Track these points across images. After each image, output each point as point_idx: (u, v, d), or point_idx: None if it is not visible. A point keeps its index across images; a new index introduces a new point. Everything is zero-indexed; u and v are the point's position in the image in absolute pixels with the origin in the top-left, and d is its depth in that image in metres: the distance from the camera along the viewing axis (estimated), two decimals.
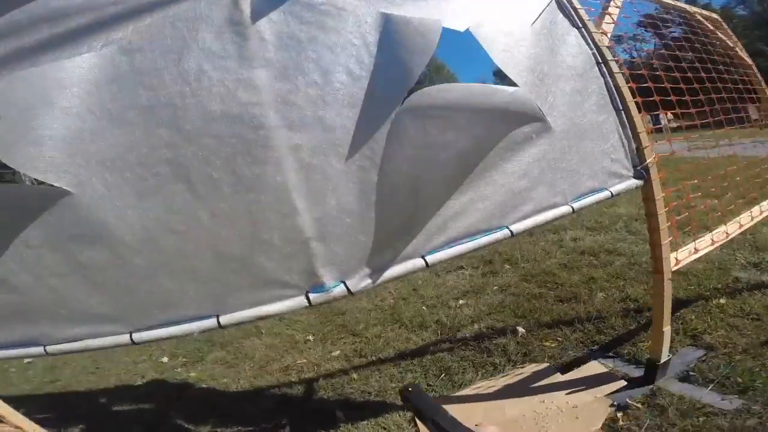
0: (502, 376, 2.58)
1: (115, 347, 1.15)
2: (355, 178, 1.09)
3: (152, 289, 1.06)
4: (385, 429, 2.35)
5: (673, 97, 2.29)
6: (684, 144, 3.04)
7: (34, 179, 1.02)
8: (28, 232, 1.05)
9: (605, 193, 1.53)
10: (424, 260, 1.18)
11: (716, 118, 2.70)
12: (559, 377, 2.44)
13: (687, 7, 2.62)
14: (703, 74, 2.52)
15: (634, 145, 1.63)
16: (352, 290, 1.12)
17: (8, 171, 1.12)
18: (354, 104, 1.09)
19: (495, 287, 3.74)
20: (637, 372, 2.26)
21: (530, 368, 2.60)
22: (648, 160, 1.65)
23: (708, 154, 2.79)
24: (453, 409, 2.75)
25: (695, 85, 2.46)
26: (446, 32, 1.22)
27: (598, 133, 1.52)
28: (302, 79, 1.06)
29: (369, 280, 1.14)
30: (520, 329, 2.98)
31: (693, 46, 2.66)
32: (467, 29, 1.25)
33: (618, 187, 1.56)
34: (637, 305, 2.93)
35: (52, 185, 0.99)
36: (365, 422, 2.42)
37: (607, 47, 1.66)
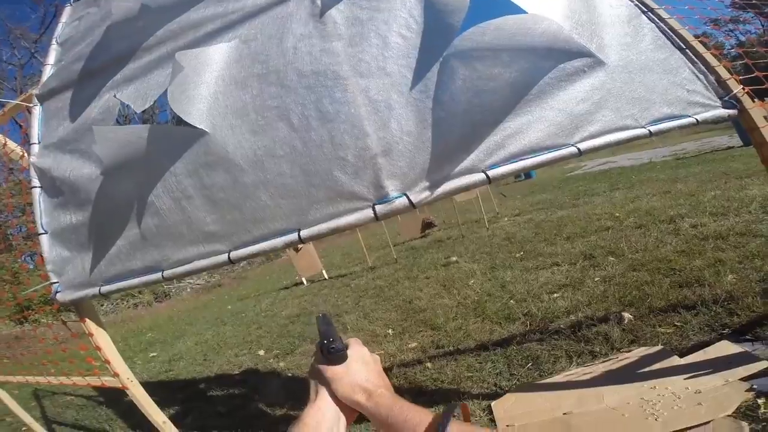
0: (602, 362, 2.25)
1: (215, 267, 1.44)
2: (412, 106, 1.29)
3: (254, 204, 1.34)
4: (454, 416, 2.18)
5: None
6: None
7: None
8: (175, 162, 1.42)
9: (689, 120, 1.48)
10: (485, 174, 1.25)
11: None
12: (676, 360, 2.04)
13: None
14: None
15: (712, 78, 1.58)
16: (413, 201, 1.24)
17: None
18: (408, 56, 1.33)
19: (597, 279, 3.33)
20: None
21: (638, 352, 2.21)
22: (735, 90, 1.55)
23: None
24: (539, 398, 2.44)
25: None
26: None
27: (663, 68, 1.53)
28: (366, 44, 1.36)
29: (428, 192, 1.26)
30: (627, 315, 2.59)
31: None
32: None
33: (704, 115, 1.51)
34: None
35: (196, 127, 1.36)
36: (433, 409, 2.29)
37: None
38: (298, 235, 1.28)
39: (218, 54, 1.44)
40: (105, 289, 1.66)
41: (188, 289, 14.21)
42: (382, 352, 3.28)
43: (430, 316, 3.75)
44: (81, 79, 1.74)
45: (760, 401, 1.64)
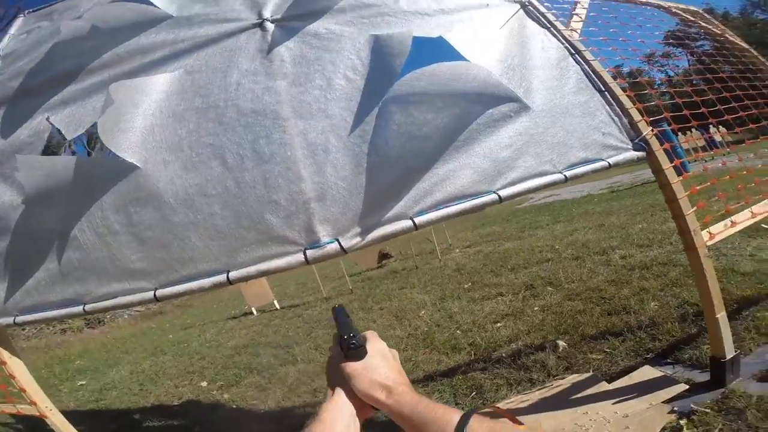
0: (538, 389, 2.33)
1: (141, 303, 1.39)
2: (349, 151, 1.31)
3: (182, 244, 1.31)
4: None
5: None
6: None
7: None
8: (102, 197, 1.37)
9: (602, 164, 1.56)
10: (413, 221, 1.29)
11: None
12: (605, 386, 2.16)
13: (662, 2, 2.56)
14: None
15: (626, 120, 1.66)
16: (344, 247, 1.25)
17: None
18: (350, 98, 1.37)
19: (536, 308, 3.50)
20: (702, 377, 2.00)
21: (571, 379, 2.32)
22: (644, 133, 1.65)
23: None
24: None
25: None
26: (426, 39, 1.54)
27: (582, 111, 1.60)
28: (310, 85, 1.38)
29: (359, 239, 1.27)
30: (561, 343, 2.72)
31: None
32: (440, 36, 1.55)
33: (616, 159, 1.59)
34: (697, 309, 2.58)
35: (127, 160, 1.32)
36: None
37: (579, 40, 1.83)
38: (227, 276, 1.25)
39: (160, 84, 1.42)
40: (20, 319, 1.56)
41: (125, 315, 13.16)
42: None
43: None
44: (16, 97, 1.65)
45: (683, 422, 1.75)
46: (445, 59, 1.44)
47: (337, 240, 1.24)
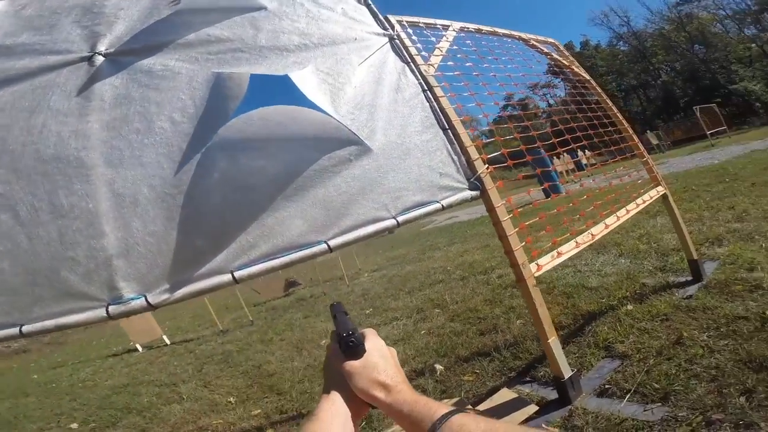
0: None
1: None
2: (162, 203, 1.22)
3: None
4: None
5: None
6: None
7: None
8: None
9: (435, 206, 1.60)
10: (233, 275, 1.24)
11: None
12: (470, 410, 2.29)
13: (523, 35, 2.96)
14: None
15: (464, 159, 1.71)
16: (152, 303, 1.18)
17: None
18: (170, 145, 1.27)
19: (423, 332, 3.66)
20: (554, 394, 2.15)
21: None
22: (479, 172, 1.72)
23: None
24: None
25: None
26: (270, 78, 1.47)
27: (423, 151, 1.63)
28: (126, 128, 1.27)
29: (168, 294, 1.20)
30: (438, 367, 2.86)
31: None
32: (286, 74, 1.49)
33: (450, 200, 1.63)
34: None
35: None
36: None
37: (433, 75, 1.85)
38: (20, 330, 1.12)
39: None
40: None
41: None
42: (222, 421, 3.01)
43: (277, 380, 3.62)
44: None
45: None
46: (290, 101, 1.39)
47: (144, 296, 1.16)
